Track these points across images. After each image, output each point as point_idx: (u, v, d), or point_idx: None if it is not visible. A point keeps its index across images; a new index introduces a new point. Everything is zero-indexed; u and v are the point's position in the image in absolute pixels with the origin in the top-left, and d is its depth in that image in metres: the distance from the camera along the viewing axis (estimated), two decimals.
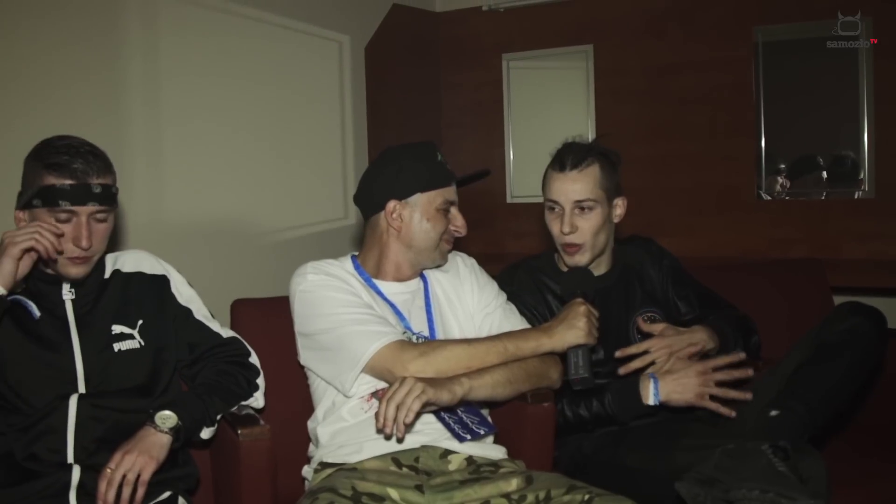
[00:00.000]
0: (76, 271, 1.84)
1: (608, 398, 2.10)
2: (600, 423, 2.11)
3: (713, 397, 2.07)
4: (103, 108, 2.96)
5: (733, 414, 2.05)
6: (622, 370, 2.14)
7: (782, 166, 3.77)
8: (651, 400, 2.07)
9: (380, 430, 1.77)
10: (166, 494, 1.84)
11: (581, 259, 2.21)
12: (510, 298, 2.21)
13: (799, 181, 3.75)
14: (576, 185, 2.16)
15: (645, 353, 2.14)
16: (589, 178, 2.16)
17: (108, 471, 1.71)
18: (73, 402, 1.80)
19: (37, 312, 1.83)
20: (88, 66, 2.91)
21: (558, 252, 2.29)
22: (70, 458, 1.78)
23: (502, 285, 2.26)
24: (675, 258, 2.43)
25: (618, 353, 2.15)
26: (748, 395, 2.05)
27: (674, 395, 2.07)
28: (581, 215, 2.18)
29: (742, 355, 2.11)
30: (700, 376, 2.06)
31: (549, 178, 2.22)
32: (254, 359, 2.05)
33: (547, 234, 2.30)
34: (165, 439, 1.78)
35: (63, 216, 1.77)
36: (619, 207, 2.25)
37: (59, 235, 1.75)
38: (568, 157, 2.17)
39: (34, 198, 1.75)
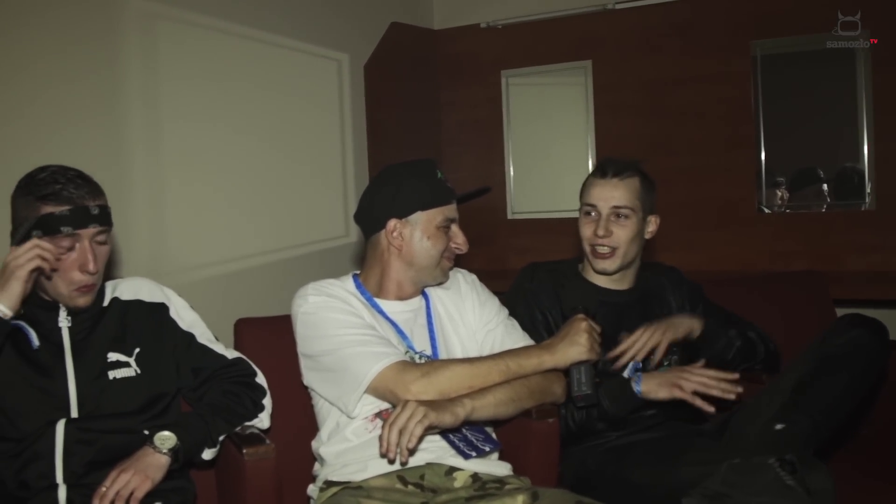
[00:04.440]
0: (84, 301, 1.84)
1: (600, 392, 2.09)
2: (603, 419, 2.11)
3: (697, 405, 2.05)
4: (104, 126, 2.96)
5: (712, 409, 2.03)
6: (614, 367, 2.16)
7: (782, 179, 3.78)
8: (634, 388, 2.08)
9: (383, 455, 1.77)
10: None
11: (610, 266, 2.25)
12: (525, 296, 2.25)
13: (799, 194, 3.76)
14: (616, 192, 2.22)
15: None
16: (629, 187, 2.23)
17: (103, 489, 1.70)
18: (59, 426, 1.78)
19: (36, 342, 1.83)
20: (89, 83, 2.92)
21: (583, 261, 2.32)
22: (59, 483, 1.77)
23: (521, 281, 2.31)
24: (698, 286, 2.44)
25: (608, 355, 2.16)
26: (732, 394, 2.02)
27: (653, 386, 2.07)
28: (617, 222, 2.23)
29: (735, 376, 2.08)
30: (680, 371, 2.07)
31: (588, 185, 2.28)
32: (260, 379, 2.04)
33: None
34: (164, 460, 1.77)
35: (66, 243, 1.77)
36: (652, 224, 2.30)
37: (58, 259, 1.75)
38: (610, 166, 2.25)
39: (33, 229, 1.74)
